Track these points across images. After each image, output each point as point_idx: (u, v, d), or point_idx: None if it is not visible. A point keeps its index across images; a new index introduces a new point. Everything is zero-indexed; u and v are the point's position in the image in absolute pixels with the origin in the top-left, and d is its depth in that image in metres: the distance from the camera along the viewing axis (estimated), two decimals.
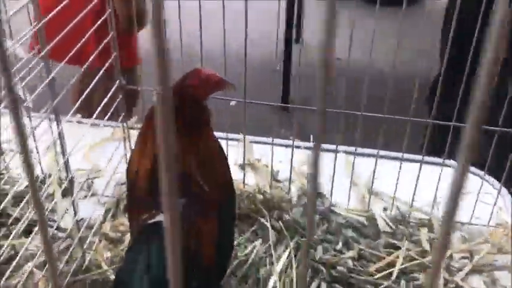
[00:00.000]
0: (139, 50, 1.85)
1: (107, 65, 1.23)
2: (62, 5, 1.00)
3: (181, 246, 0.88)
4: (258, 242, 1.24)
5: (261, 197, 1.33)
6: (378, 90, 1.25)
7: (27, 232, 1.19)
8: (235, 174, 1.12)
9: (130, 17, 1.24)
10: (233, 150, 1.37)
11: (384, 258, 1.22)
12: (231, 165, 1.05)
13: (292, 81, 3.32)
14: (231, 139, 1.40)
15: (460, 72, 1.38)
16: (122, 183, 1.39)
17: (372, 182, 1.33)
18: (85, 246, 1.19)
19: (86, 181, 1.37)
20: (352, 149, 1.37)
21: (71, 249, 1.16)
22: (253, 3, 1.11)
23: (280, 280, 1.15)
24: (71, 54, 1.06)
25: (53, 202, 1.22)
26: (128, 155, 1.35)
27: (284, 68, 3.34)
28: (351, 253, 1.22)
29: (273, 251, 1.21)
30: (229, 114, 1.25)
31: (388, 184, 1.35)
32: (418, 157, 1.32)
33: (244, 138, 1.36)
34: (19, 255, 1.05)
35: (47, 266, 1.11)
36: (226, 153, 1.05)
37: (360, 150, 1.33)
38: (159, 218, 0.89)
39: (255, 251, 1.21)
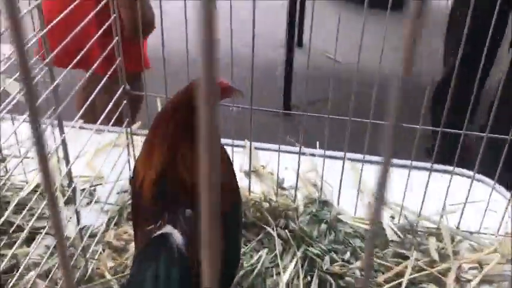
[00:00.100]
0: (145, 56, 1.84)
1: (111, 70, 1.21)
2: (66, 11, 0.98)
3: (187, 257, 0.85)
4: (264, 252, 1.22)
5: (267, 205, 1.31)
6: (383, 96, 1.23)
7: (29, 240, 1.17)
8: (240, 181, 1.10)
9: (136, 23, 1.22)
10: (237, 156, 1.35)
11: (392, 268, 1.20)
12: (236, 172, 1.03)
13: (293, 86, 3.30)
14: (236, 145, 1.38)
15: (467, 79, 1.37)
16: (125, 190, 1.37)
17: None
18: (88, 255, 1.17)
19: (89, 188, 1.34)
20: (359, 156, 1.35)
21: (73, 258, 1.14)
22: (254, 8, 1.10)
23: None
24: (76, 61, 1.04)
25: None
26: (132, 162, 1.33)
27: (286, 72, 3.31)
28: (358, 263, 1.20)
29: (279, 261, 1.19)
30: (231, 120, 1.23)
31: (395, 192, 1.33)
32: (427, 165, 1.31)
33: (251, 145, 1.34)
34: (22, 264, 1.03)
35: (50, 275, 1.09)
36: (231, 160, 1.03)
37: (367, 157, 1.31)
38: (166, 229, 0.87)
39: (261, 260, 1.19)
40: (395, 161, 1.42)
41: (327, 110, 1.23)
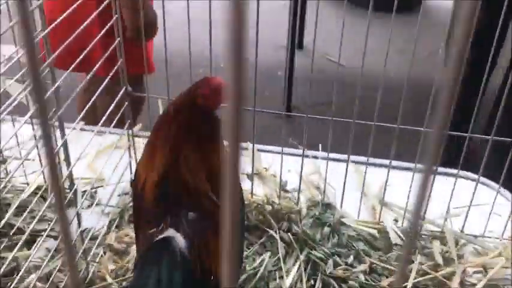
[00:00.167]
0: (149, 60, 1.83)
1: (113, 71, 1.20)
2: (69, 10, 0.97)
3: (190, 260, 0.84)
4: (266, 255, 1.20)
5: (269, 207, 1.30)
6: (388, 98, 1.22)
7: (29, 243, 1.16)
8: (243, 183, 1.09)
9: (139, 26, 1.22)
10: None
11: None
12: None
13: (294, 88, 3.29)
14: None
15: (471, 80, 1.36)
16: (126, 192, 1.36)
17: (384, 193, 1.30)
18: (89, 258, 1.16)
19: (90, 191, 1.33)
20: (363, 158, 1.34)
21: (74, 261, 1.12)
22: (254, 9, 1.09)
23: None
24: (78, 61, 1.03)
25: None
26: (133, 163, 1.32)
27: (286, 74, 3.30)
28: (362, 267, 1.19)
29: (282, 264, 1.18)
30: None
31: (399, 195, 1.32)
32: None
33: (253, 147, 1.33)
34: (23, 267, 1.02)
35: (51, 278, 1.08)
36: None
37: (371, 160, 1.30)
38: (168, 233, 0.86)
39: (264, 264, 1.18)
40: (399, 163, 1.41)
41: (330, 112, 1.22)
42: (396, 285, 0.30)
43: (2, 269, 0.98)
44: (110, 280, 1.14)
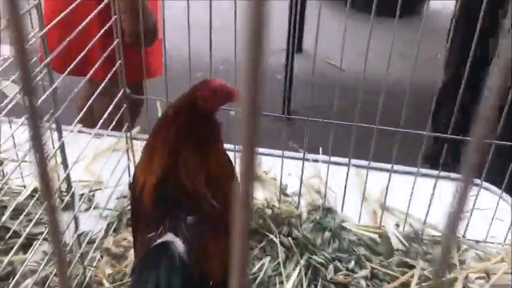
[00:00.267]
0: (155, 64, 1.81)
1: (112, 72, 1.19)
2: (67, 10, 0.96)
3: (189, 264, 0.83)
4: (266, 260, 1.19)
5: (269, 211, 1.29)
6: (389, 102, 1.21)
7: (25, 246, 1.15)
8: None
9: (137, 32, 1.20)
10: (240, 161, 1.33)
11: (398, 278, 1.17)
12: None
13: (294, 91, 3.28)
14: (238, 151, 1.35)
15: (472, 82, 1.34)
16: (124, 195, 1.35)
17: (385, 197, 1.29)
18: (86, 262, 1.14)
19: (88, 194, 1.32)
20: (364, 162, 1.33)
21: (71, 265, 1.11)
22: None
23: None
24: (77, 65, 1.02)
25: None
26: (131, 166, 1.30)
27: (286, 77, 3.29)
28: (363, 272, 1.17)
29: (282, 269, 1.17)
30: (233, 125, 1.21)
31: (400, 199, 1.30)
32: (433, 172, 1.28)
33: None
34: (19, 272, 1.01)
35: (47, 283, 1.06)
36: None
37: (372, 164, 1.28)
38: (167, 237, 0.84)
39: (263, 269, 1.16)
40: (401, 167, 1.40)
41: (331, 115, 1.21)
42: None
43: None
44: (107, 285, 1.13)
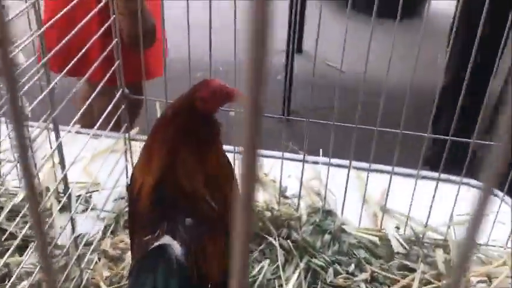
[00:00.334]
0: (155, 64, 1.80)
1: (110, 71, 1.18)
2: (66, 8, 0.95)
3: (187, 267, 0.82)
4: (265, 263, 1.18)
5: (269, 214, 1.27)
6: (390, 104, 1.20)
7: (21, 248, 1.13)
8: None
9: (135, 34, 1.19)
10: (238, 163, 1.31)
11: (399, 281, 1.16)
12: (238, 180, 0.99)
13: (294, 92, 3.27)
14: (237, 152, 1.34)
15: (473, 85, 1.33)
16: (122, 197, 1.33)
17: (386, 200, 1.27)
18: (83, 265, 1.13)
19: (85, 195, 1.30)
20: (365, 164, 1.31)
21: (68, 267, 1.09)
22: None
23: None
24: (77, 66, 1.01)
25: (52, 218, 1.15)
26: (130, 167, 1.29)
27: (286, 78, 3.28)
28: (363, 275, 1.16)
29: (281, 272, 1.15)
30: (232, 126, 1.19)
31: (401, 202, 1.29)
32: (435, 175, 1.27)
33: None
34: (14, 274, 0.99)
35: (43, 286, 1.05)
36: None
37: (373, 166, 1.27)
38: (164, 240, 0.83)
39: (262, 272, 1.15)
40: (401, 169, 1.39)
41: (331, 117, 1.20)
42: None
43: None
44: (104, 287, 1.11)
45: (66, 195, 1.08)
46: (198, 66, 1.27)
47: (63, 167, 1.06)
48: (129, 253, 1.15)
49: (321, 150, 1.47)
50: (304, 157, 1.27)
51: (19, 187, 1.31)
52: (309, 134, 1.21)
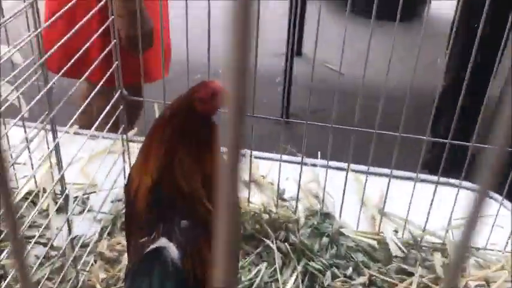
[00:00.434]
0: (154, 68, 1.80)
1: (109, 72, 1.17)
2: (62, 10, 0.94)
3: (183, 269, 0.81)
4: (263, 266, 1.17)
5: (266, 216, 1.27)
6: (389, 107, 1.20)
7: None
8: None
9: (133, 36, 1.19)
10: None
11: (397, 285, 1.15)
12: None
13: (293, 95, 3.27)
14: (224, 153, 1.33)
15: (473, 87, 1.33)
16: (119, 199, 1.33)
17: (384, 203, 1.27)
18: (79, 267, 1.12)
19: (82, 196, 1.30)
20: (363, 167, 1.31)
21: (64, 269, 1.09)
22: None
23: None
24: (77, 66, 1.00)
25: (48, 219, 1.15)
26: (127, 169, 1.28)
27: (285, 81, 3.28)
28: (361, 279, 1.15)
29: (279, 276, 1.15)
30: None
31: (399, 205, 1.28)
32: (433, 178, 1.26)
33: (251, 154, 1.29)
34: (10, 275, 0.99)
35: (39, 287, 1.04)
36: None
37: (372, 169, 1.27)
38: (160, 242, 0.83)
39: (260, 275, 1.14)
40: (400, 172, 1.38)
41: (330, 120, 1.20)
42: None
43: None
44: None
45: (63, 196, 1.08)
46: (197, 68, 1.26)
47: (60, 168, 1.05)
48: (125, 255, 1.14)
49: (319, 152, 1.46)
50: (302, 159, 1.26)
51: (16, 188, 1.30)
52: (308, 137, 1.21)
